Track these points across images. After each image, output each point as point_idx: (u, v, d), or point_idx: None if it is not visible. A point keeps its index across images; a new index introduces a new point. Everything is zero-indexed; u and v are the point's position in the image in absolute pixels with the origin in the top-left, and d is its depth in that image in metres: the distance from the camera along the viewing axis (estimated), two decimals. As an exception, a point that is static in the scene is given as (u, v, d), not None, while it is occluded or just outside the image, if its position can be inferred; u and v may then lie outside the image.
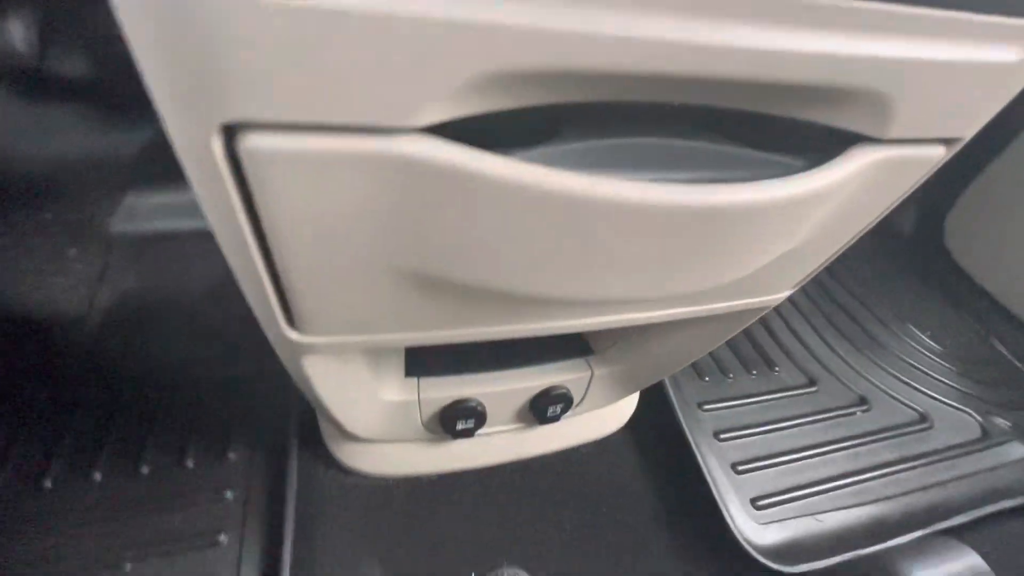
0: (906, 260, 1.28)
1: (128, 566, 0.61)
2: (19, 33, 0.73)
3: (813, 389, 0.94)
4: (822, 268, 0.47)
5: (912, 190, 0.38)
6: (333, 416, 0.58)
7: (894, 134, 0.31)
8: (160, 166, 0.96)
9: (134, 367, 0.80)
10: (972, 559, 0.59)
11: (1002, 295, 1.16)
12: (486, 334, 0.43)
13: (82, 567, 0.61)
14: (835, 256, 0.45)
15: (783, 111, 0.30)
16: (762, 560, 0.68)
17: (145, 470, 0.69)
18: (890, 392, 0.96)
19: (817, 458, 0.83)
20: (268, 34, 0.19)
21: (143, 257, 0.94)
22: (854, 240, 0.44)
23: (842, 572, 0.67)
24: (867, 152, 0.31)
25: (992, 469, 0.86)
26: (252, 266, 0.31)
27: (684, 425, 0.81)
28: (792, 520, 0.76)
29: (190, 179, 0.26)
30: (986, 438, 0.91)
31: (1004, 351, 1.10)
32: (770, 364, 0.97)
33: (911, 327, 1.10)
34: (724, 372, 0.93)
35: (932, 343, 1.08)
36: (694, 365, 0.94)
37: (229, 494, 0.69)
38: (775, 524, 0.75)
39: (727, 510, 0.73)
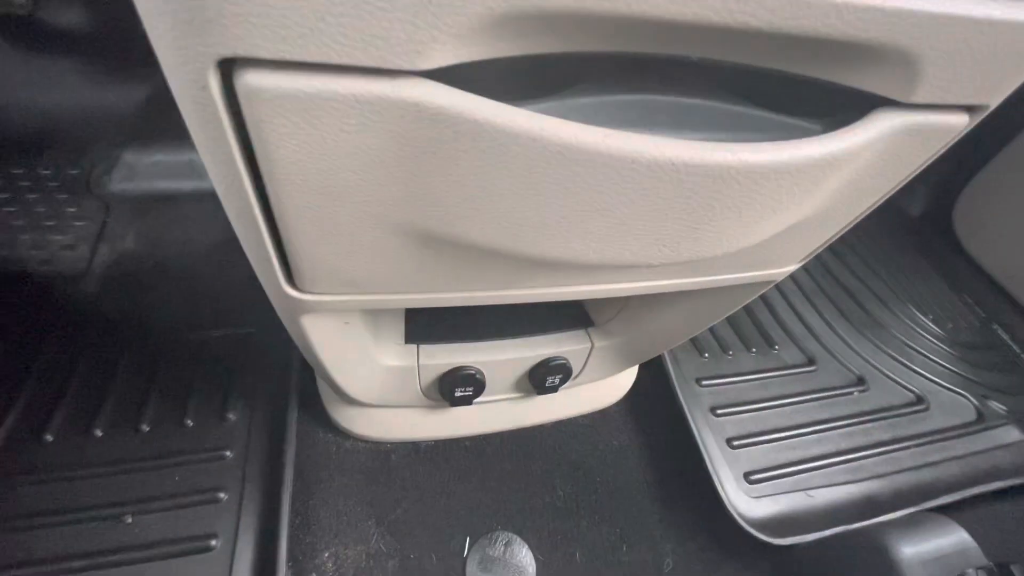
0: (912, 242, 1.27)
1: (129, 519, 0.62)
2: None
3: (812, 368, 0.94)
4: (829, 243, 0.46)
5: (929, 162, 0.37)
6: (332, 379, 0.58)
7: (919, 98, 0.29)
8: (160, 124, 0.95)
9: (134, 326, 0.80)
10: (960, 535, 0.60)
11: (1006, 281, 1.15)
12: (487, 298, 0.43)
13: (82, 519, 0.62)
14: (843, 231, 0.44)
15: (806, 70, 0.29)
16: (753, 532, 0.69)
17: (145, 428, 0.70)
18: (888, 373, 0.96)
19: (812, 436, 0.84)
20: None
21: (144, 216, 0.93)
22: (864, 215, 0.43)
23: (831, 546, 0.69)
24: (890, 116, 0.30)
25: (985, 451, 0.87)
26: (251, 218, 0.30)
27: (682, 399, 0.81)
28: (784, 495, 0.77)
29: (187, 121, 0.25)
30: (981, 421, 0.91)
31: (1005, 337, 1.09)
32: (770, 342, 0.97)
33: (913, 309, 1.10)
34: (724, 349, 0.94)
35: (933, 326, 1.08)
36: (694, 341, 0.94)
37: (228, 453, 0.69)
38: (767, 498, 0.76)
39: (720, 483, 0.74)
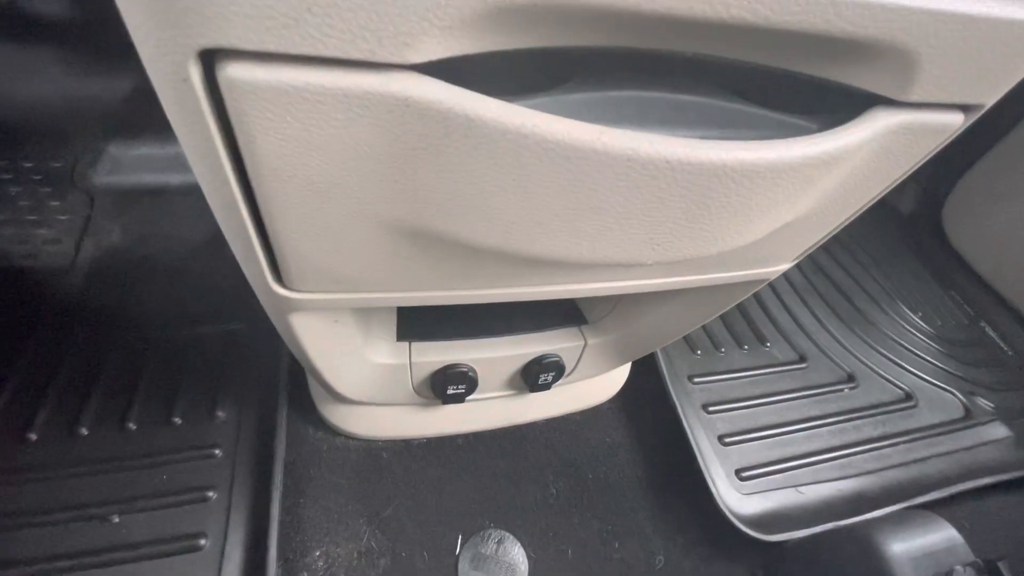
0: (902, 241, 1.28)
1: (116, 518, 0.61)
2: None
3: (803, 365, 0.94)
4: (822, 242, 0.46)
5: (923, 162, 0.37)
6: (322, 377, 0.57)
7: (915, 97, 0.29)
8: (146, 116, 0.93)
9: (120, 322, 0.79)
10: (948, 532, 0.61)
11: (994, 279, 1.17)
12: (479, 297, 0.42)
13: (68, 518, 0.61)
14: (836, 230, 0.44)
15: (803, 67, 0.28)
16: (743, 528, 0.70)
17: (132, 426, 0.69)
18: (878, 370, 0.97)
19: (802, 433, 0.85)
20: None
21: (130, 210, 0.91)
22: (857, 214, 0.43)
23: (821, 542, 0.69)
24: (885, 115, 0.30)
25: (972, 447, 0.88)
26: (237, 216, 0.30)
27: (674, 397, 0.81)
28: (774, 491, 0.77)
29: (169, 114, 0.24)
30: (968, 418, 0.92)
31: (992, 334, 1.11)
32: (762, 340, 0.97)
33: (903, 307, 1.11)
34: (716, 346, 0.94)
35: (922, 323, 1.09)
36: (686, 338, 0.94)
37: (217, 451, 0.68)
38: (757, 495, 0.76)
39: (712, 480, 0.74)
